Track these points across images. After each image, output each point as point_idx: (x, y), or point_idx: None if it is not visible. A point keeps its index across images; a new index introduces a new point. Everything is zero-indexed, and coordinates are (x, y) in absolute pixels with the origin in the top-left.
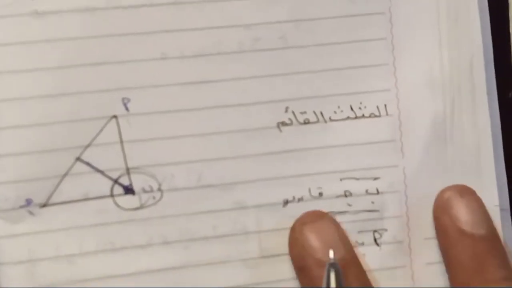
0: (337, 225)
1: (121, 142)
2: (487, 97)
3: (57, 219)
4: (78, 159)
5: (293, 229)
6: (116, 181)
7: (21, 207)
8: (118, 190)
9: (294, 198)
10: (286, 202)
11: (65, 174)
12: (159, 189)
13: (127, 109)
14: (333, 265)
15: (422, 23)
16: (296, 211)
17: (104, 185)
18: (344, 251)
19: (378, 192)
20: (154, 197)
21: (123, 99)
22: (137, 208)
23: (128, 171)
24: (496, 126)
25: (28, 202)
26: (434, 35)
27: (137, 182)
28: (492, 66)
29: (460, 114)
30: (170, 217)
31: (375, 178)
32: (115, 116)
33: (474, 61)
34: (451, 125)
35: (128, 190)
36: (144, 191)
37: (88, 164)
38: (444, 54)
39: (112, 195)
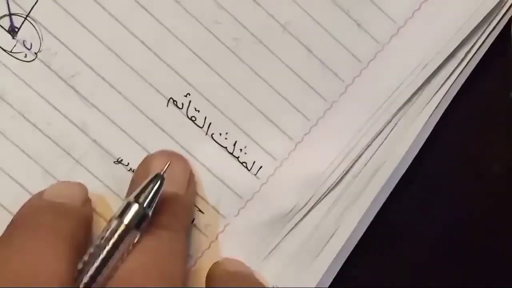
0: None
1: None
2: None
3: None
4: None
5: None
6: (10, 14)
7: None
8: (6, 23)
9: (128, 164)
10: (119, 161)
11: None
12: (36, 53)
13: None
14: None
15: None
16: (122, 174)
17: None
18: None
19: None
20: (25, 56)
21: None
22: (5, 50)
23: (28, 15)
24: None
25: None
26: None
27: (26, 31)
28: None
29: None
30: (21, 82)
31: (200, 211)
32: None
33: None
34: (300, 217)
35: (13, 30)
36: (24, 44)
37: None
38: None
39: None
